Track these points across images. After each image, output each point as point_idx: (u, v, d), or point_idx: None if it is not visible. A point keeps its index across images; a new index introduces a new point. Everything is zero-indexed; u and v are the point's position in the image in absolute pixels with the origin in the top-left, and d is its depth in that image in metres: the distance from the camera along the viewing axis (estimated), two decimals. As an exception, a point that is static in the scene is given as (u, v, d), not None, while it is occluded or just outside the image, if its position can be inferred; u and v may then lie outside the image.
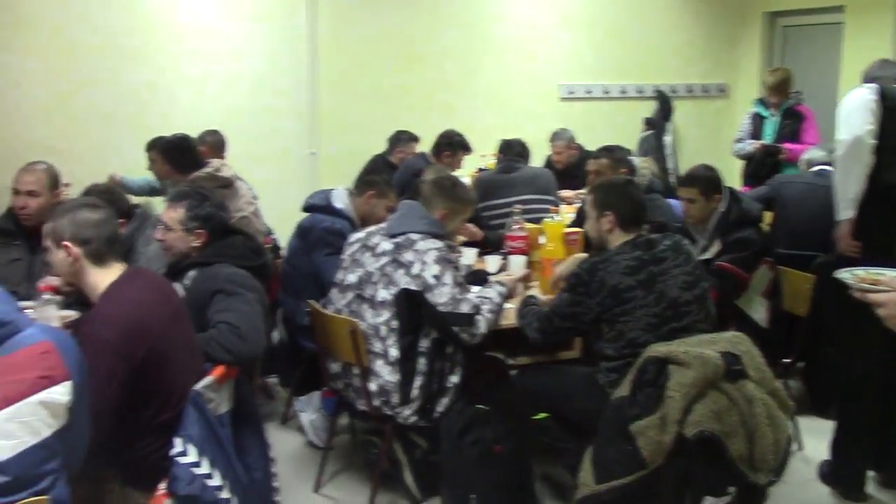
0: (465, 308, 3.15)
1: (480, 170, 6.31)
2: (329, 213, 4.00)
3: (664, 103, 7.84)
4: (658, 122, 7.83)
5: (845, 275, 2.15)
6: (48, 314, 2.76)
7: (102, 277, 2.41)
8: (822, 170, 4.44)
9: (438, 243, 3.23)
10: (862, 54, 5.58)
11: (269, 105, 6.65)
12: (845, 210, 3.51)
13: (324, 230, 3.90)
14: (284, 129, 6.77)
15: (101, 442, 2.18)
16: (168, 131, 5.39)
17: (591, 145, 6.81)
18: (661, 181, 5.24)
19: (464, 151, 5.75)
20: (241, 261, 2.99)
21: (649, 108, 7.92)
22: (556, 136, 6.39)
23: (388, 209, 4.07)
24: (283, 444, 3.92)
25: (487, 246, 4.35)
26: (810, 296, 3.73)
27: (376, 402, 3.25)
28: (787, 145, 5.64)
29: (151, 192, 5.79)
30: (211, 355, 2.62)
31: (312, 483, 3.63)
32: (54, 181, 3.55)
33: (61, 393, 1.85)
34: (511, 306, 3.47)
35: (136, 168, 5.82)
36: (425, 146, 6.00)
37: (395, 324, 3.19)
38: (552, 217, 4.05)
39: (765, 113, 5.87)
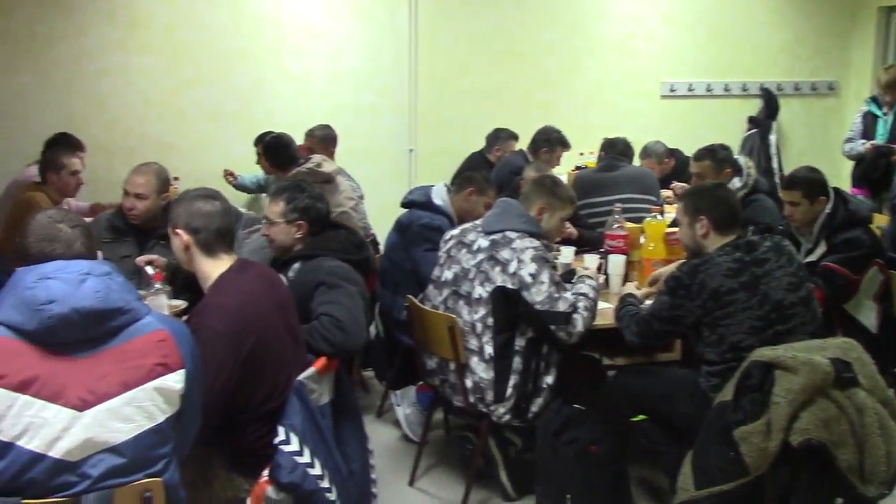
0: (562, 306, 3.13)
1: (577, 168, 6.26)
2: (428, 209, 4.03)
3: (770, 101, 7.60)
4: (763, 121, 7.59)
5: None
6: (159, 303, 2.87)
7: (213, 267, 2.49)
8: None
9: (535, 242, 3.21)
10: None
11: (369, 102, 6.74)
12: None
13: (422, 226, 3.93)
14: (383, 127, 6.84)
15: (210, 428, 2.25)
16: (271, 128, 5.56)
17: (692, 144, 6.66)
18: (766, 181, 5.09)
19: (562, 148, 5.69)
20: (343, 254, 3.04)
21: (754, 107, 7.69)
22: (646, 152, 5.97)
23: (487, 206, 4.07)
24: (378, 437, 3.97)
25: (585, 245, 4.30)
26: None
27: (471, 399, 3.26)
28: (901, 146, 5.41)
29: (259, 189, 5.97)
30: (313, 347, 2.67)
31: (407, 476, 3.67)
32: (163, 183, 3.66)
33: (176, 380, 1.92)
34: (608, 306, 3.44)
35: (241, 163, 6.01)
36: (523, 144, 5.98)
37: (490, 321, 3.20)
38: (654, 217, 3.97)
39: (878, 112, 5.64)
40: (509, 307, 3.16)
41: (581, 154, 6.46)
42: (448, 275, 3.36)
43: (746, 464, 2.52)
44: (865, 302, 3.68)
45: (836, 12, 7.74)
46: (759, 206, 4.16)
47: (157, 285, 2.97)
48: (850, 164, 5.94)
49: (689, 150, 6.40)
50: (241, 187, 6.04)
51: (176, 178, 4.74)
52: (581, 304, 3.18)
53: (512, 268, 3.16)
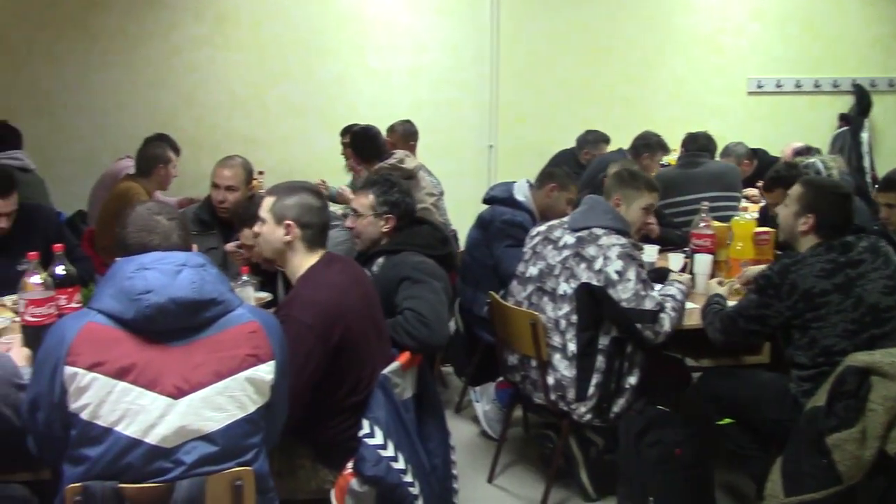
0: (648, 305, 3.07)
1: (661, 165, 6.15)
2: (510, 205, 4.01)
3: (862, 98, 7.35)
4: (854, 118, 7.36)
5: None
6: (245, 295, 2.92)
7: (305, 261, 2.51)
8: None
9: (622, 239, 3.17)
10: None
11: (450, 98, 6.75)
12: None
13: (504, 222, 3.92)
14: (464, 122, 6.85)
15: (296, 420, 2.28)
16: (354, 123, 5.60)
17: (778, 142, 6.54)
18: (854, 181, 4.92)
19: (662, 152, 5.58)
20: (427, 250, 3.05)
21: (844, 104, 7.46)
22: (726, 153, 5.82)
23: (569, 202, 4.05)
24: (456, 432, 3.92)
25: (668, 244, 4.23)
26: None
27: (553, 397, 3.23)
28: None
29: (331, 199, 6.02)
30: (397, 341, 2.69)
31: (486, 473, 3.66)
32: (249, 175, 3.74)
33: (266, 371, 1.95)
34: (694, 306, 3.37)
35: (324, 157, 6.08)
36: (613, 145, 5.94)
37: (574, 318, 3.16)
38: (741, 215, 3.87)
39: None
40: (594, 304, 3.12)
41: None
42: (533, 271, 3.34)
43: (839, 472, 2.43)
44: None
45: (935, 5, 7.46)
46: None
47: (244, 277, 3.03)
48: (948, 164, 5.69)
49: (775, 149, 6.29)
50: (330, 198, 6.11)
51: (261, 172, 4.82)
52: (668, 305, 3.13)
53: (598, 264, 3.12)
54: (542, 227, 3.45)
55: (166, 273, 1.87)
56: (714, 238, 3.82)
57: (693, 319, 3.27)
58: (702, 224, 3.86)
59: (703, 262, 3.70)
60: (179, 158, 4.92)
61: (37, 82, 5.98)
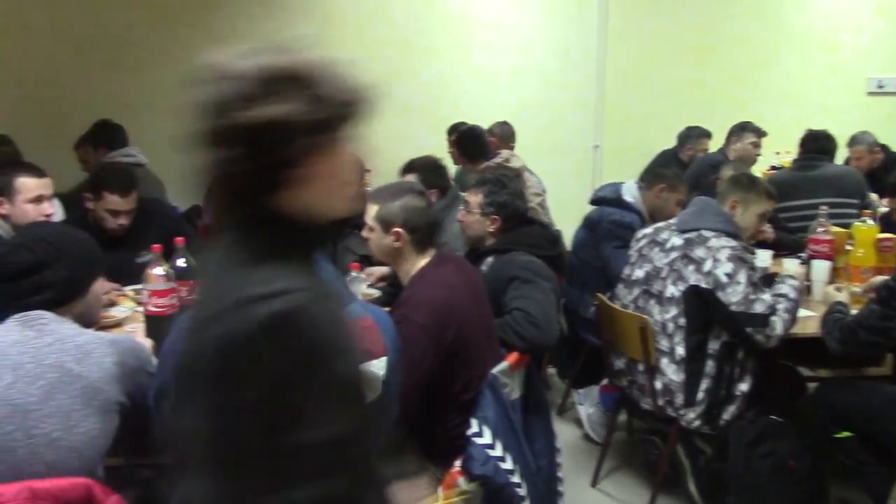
0: (759, 308, 2.98)
1: (773, 167, 5.97)
2: (618, 205, 3.96)
3: None
4: (984, 121, 6.98)
5: None
6: (355, 291, 2.96)
7: (417, 261, 2.54)
8: None
9: (732, 242, 3.08)
10: None
11: (555, 98, 6.71)
12: None
13: (612, 223, 3.87)
14: (569, 122, 6.80)
15: (406, 416, 2.30)
16: (460, 122, 5.63)
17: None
18: None
19: (753, 134, 5.43)
20: (536, 250, 3.03)
21: (976, 104, 7.09)
22: (854, 140, 5.70)
23: (678, 203, 3.97)
24: (559, 435, 3.91)
25: (783, 249, 4.09)
26: None
27: (660, 402, 3.17)
28: None
29: None
30: (505, 341, 2.68)
31: (589, 477, 3.63)
32: (361, 171, 3.79)
33: (378, 367, 1.97)
34: (811, 314, 3.26)
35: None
36: (716, 143, 5.78)
37: (682, 321, 3.10)
38: (863, 221, 3.71)
39: None
40: (702, 307, 3.05)
41: (777, 153, 6.15)
42: (639, 273, 3.29)
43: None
44: None
45: None
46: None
47: (354, 274, 3.07)
48: None
49: (896, 152, 6.01)
50: None
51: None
52: (781, 307, 3.02)
53: (707, 266, 3.04)
54: (649, 230, 3.39)
55: None
56: (833, 244, 3.68)
57: (810, 328, 3.16)
58: (820, 229, 3.72)
59: (820, 268, 3.56)
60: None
61: (155, 81, 6.19)
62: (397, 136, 6.46)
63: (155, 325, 2.63)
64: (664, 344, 3.14)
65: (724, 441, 3.12)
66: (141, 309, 2.83)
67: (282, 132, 1.19)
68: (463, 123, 5.35)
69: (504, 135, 5.65)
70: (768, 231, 4.01)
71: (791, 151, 5.55)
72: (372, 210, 2.60)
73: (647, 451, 3.59)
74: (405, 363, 2.17)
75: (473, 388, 2.44)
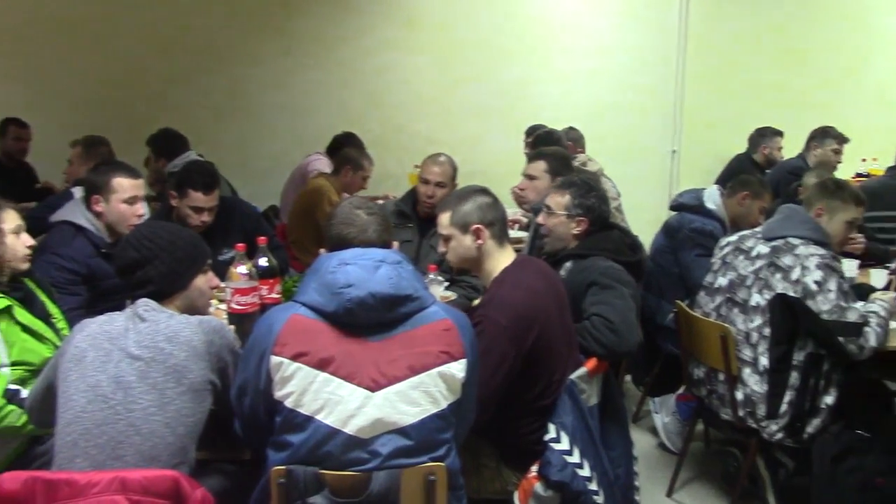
0: (852, 317, 2.90)
1: (859, 175, 5.81)
2: (699, 212, 3.89)
3: None
4: None
5: None
6: (433, 293, 2.96)
7: (499, 261, 2.52)
8: None
9: (821, 250, 3.00)
10: None
11: (632, 101, 6.64)
12: None
13: (693, 230, 3.80)
14: (646, 126, 6.72)
15: (485, 420, 2.29)
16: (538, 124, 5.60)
17: None
18: None
19: (834, 141, 5.28)
20: (616, 255, 2.98)
21: None
22: None
23: (762, 211, 3.89)
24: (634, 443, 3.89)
25: (871, 259, 3.97)
26: None
27: (741, 413, 3.10)
28: None
29: None
30: (584, 347, 2.65)
31: (665, 487, 3.57)
32: (455, 172, 3.82)
33: (458, 369, 1.97)
34: (901, 326, 3.15)
35: (505, 159, 6.12)
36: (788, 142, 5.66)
37: (767, 331, 3.02)
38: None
39: None
40: (789, 317, 2.97)
41: (864, 160, 5.98)
42: (722, 281, 3.22)
43: None
44: None
45: None
46: None
47: (431, 275, 3.08)
48: None
49: None
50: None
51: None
52: (873, 321, 2.93)
53: (795, 275, 2.97)
54: (733, 237, 3.32)
55: (365, 268, 1.94)
56: (925, 255, 3.55)
57: (897, 341, 3.06)
58: (911, 239, 3.60)
59: (911, 280, 3.45)
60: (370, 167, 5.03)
61: (240, 84, 6.34)
62: (473, 139, 6.51)
63: (237, 322, 2.68)
64: (747, 354, 3.07)
65: (807, 455, 3.04)
66: (222, 306, 2.88)
67: None
68: (540, 126, 5.34)
69: (574, 140, 5.64)
70: (859, 240, 3.90)
71: (878, 158, 5.40)
72: (444, 219, 2.59)
73: (726, 463, 3.52)
74: (485, 365, 2.17)
75: (551, 393, 2.42)
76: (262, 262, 2.86)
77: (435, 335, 1.97)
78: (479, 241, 2.53)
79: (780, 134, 6.01)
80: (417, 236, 3.72)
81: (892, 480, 2.83)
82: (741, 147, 6.24)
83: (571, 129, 5.75)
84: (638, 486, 2.80)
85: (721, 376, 3.15)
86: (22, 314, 2.52)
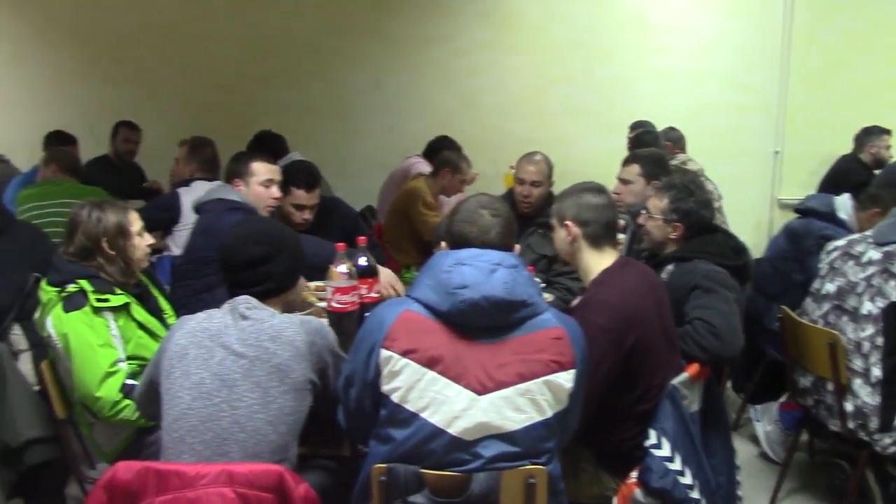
0: None
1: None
2: (830, 220, 3.72)
3: None
4: None
5: None
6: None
7: (597, 262, 2.49)
8: None
9: (939, 256, 2.86)
10: None
11: (734, 101, 6.47)
12: None
13: (823, 237, 3.59)
14: (748, 126, 6.54)
15: (585, 423, 2.26)
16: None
17: None
18: None
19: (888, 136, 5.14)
20: (720, 259, 2.91)
21: None
22: None
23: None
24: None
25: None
26: None
27: (851, 425, 2.98)
28: None
29: None
30: (686, 351, 2.59)
31: (766, 497, 3.47)
32: (551, 170, 3.80)
33: (566, 379, 1.94)
34: None
35: (600, 160, 5.99)
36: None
37: (879, 340, 2.89)
38: None
39: None
40: (904, 326, 2.84)
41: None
42: (830, 288, 3.10)
43: None
44: None
45: None
46: None
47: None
48: None
49: None
50: None
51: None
52: None
53: (910, 282, 2.84)
54: (842, 242, 3.19)
55: (481, 271, 1.92)
56: None
57: None
58: None
59: None
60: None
61: (337, 85, 6.43)
62: (567, 138, 6.46)
63: (336, 320, 2.71)
64: (858, 364, 2.95)
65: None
66: (322, 304, 2.92)
67: None
68: (645, 122, 5.27)
69: (677, 140, 5.54)
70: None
71: None
72: (553, 209, 2.63)
73: (832, 475, 3.40)
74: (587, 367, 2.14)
75: (652, 397, 2.37)
76: (362, 261, 2.89)
77: (546, 343, 1.94)
78: (569, 237, 2.53)
79: (887, 132, 5.80)
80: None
81: None
82: (847, 148, 6.03)
83: (671, 129, 5.66)
84: (741, 496, 2.73)
85: (830, 386, 3.03)
86: (138, 311, 2.61)
